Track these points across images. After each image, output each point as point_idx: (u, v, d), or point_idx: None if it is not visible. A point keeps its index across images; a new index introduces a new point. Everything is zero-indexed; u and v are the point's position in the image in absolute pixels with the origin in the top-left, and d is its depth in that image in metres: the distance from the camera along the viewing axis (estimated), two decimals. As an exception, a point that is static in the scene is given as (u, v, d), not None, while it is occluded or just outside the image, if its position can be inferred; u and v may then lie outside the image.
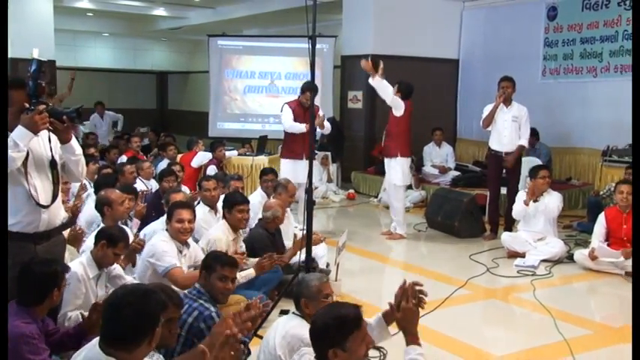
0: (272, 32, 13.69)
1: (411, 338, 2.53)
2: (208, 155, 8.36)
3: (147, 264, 4.16)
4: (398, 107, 7.25)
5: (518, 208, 6.82)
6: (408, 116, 7.33)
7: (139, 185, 6.48)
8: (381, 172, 9.68)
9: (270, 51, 11.92)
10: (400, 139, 7.36)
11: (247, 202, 4.94)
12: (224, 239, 4.65)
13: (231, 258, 3.49)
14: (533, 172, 6.90)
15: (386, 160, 7.51)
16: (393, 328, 2.76)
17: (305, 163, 7.14)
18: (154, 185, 6.80)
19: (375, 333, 2.71)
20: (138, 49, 19.88)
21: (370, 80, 7.10)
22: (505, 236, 6.86)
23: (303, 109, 7.13)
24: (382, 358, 3.79)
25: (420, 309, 2.57)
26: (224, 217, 4.83)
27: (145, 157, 8.86)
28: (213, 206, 5.52)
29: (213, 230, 4.87)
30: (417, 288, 2.58)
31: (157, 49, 20.36)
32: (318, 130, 7.12)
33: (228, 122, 11.97)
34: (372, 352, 4.06)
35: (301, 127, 7.07)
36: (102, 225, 4.37)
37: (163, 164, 7.92)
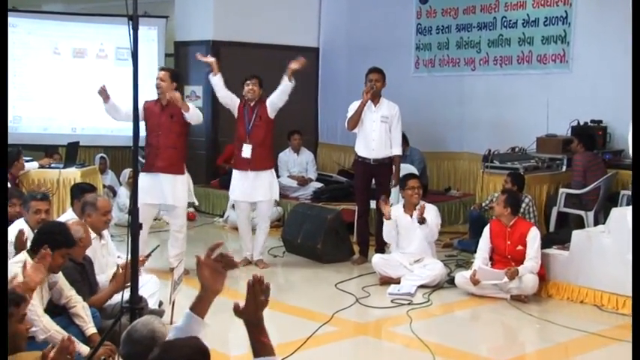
0: (82, 9, 13.20)
1: (260, 338, 2.55)
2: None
3: None
4: (277, 108, 7.39)
5: (386, 229, 7.08)
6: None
7: None
8: (227, 186, 9.65)
9: (79, 33, 11.49)
10: (271, 147, 7.58)
11: (74, 243, 4.70)
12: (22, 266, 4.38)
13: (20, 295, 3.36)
14: (402, 181, 7.20)
15: (254, 174, 7.43)
16: None
17: (162, 177, 7.00)
18: None
19: (198, 335, 2.73)
20: None
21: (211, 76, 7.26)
22: (376, 259, 7.07)
23: (161, 106, 6.97)
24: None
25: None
26: (31, 250, 4.52)
27: None
28: None
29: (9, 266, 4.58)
30: (218, 252, 2.67)
31: None
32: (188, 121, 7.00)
33: (24, 125, 11.38)
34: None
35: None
36: None
37: None
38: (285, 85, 7.29)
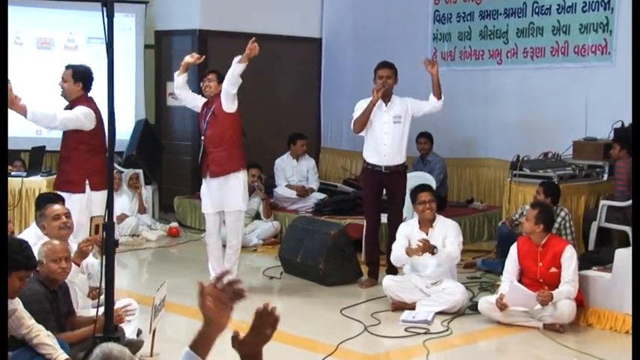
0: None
1: None
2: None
3: None
4: (230, 97, 7.28)
5: (397, 254, 7.04)
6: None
7: None
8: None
9: (45, 21, 11.54)
10: (239, 146, 7.51)
11: (35, 265, 4.71)
12: None
13: None
14: (413, 195, 7.20)
15: (217, 181, 7.40)
16: None
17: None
18: None
19: None
20: None
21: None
22: (388, 281, 7.06)
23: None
24: None
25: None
26: None
27: None
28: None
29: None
30: (226, 281, 2.61)
31: None
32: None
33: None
34: None
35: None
36: None
37: None
38: (233, 67, 7.11)
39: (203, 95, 7.53)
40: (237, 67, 7.09)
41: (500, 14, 10.15)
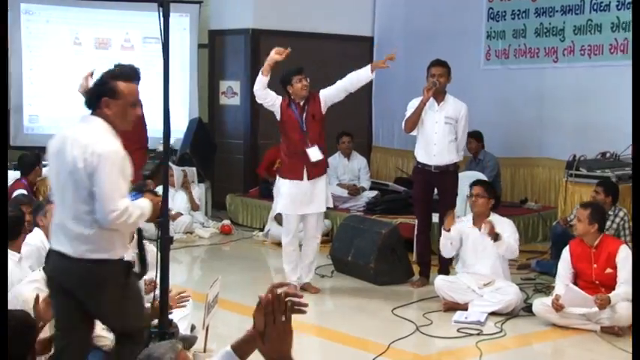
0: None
1: None
2: (13, 175, 8.10)
3: None
4: (332, 102, 7.43)
5: (442, 241, 7.07)
6: None
7: None
8: (268, 195, 9.66)
9: (103, 21, 11.70)
10: (325, 148, 7.55)
11: None
12: (34, 298, 4.49)
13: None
14: (469, 189, 7.17)
15: (309, 183, 7.31)
16: None
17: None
18: None
19: None
20: None
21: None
22: (439, 281, 7.04)
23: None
24: None
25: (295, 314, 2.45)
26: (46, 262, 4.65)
27: None
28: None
29: (21, 286, 4.70)
30: (282, 291, 2.45)
31: None
32: None
33: (41, 125, 11.61)
34: None
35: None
36: None
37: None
38: (364, 77, 7.28)
39: (285, 93, 7.35)
40: (367, 79, 7.34)
41: (557, 11, 10.01)
